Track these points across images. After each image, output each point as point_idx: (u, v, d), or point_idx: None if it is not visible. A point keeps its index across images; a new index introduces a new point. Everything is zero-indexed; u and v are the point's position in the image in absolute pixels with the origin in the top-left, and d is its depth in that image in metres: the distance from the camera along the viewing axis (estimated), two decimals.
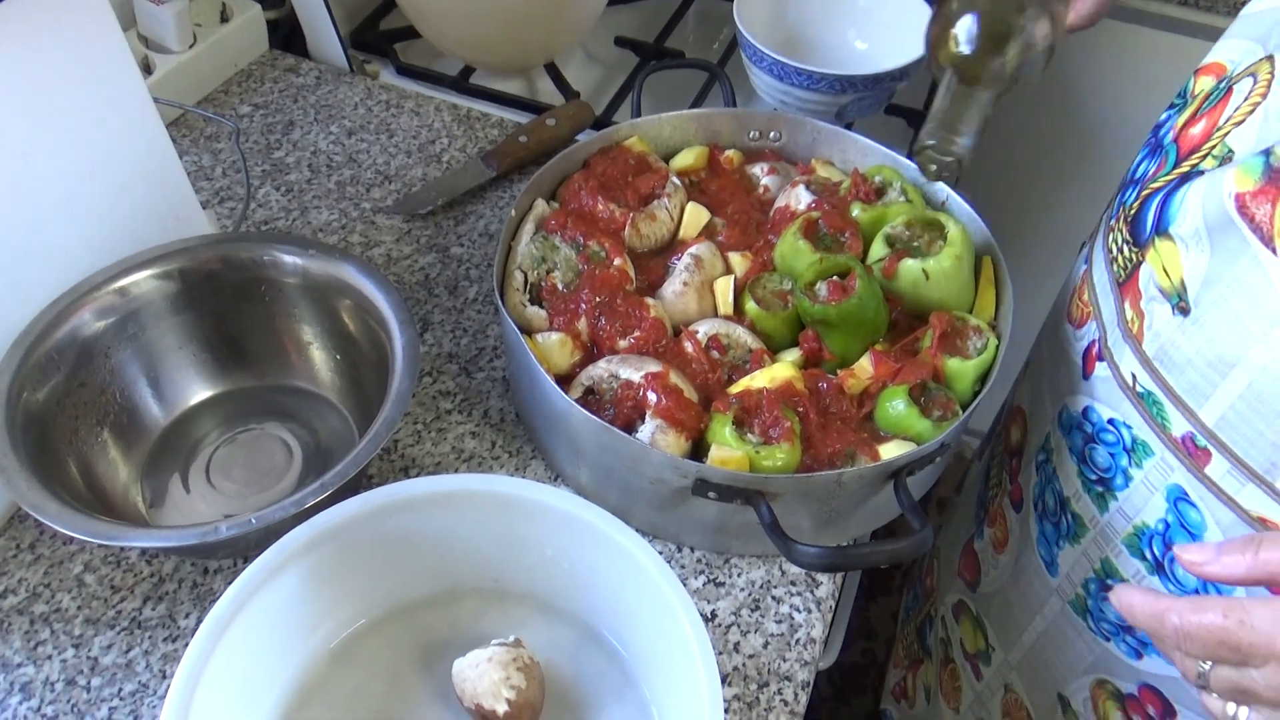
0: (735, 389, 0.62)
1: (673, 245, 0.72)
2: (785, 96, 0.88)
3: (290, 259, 0.66)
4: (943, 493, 1.71)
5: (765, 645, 0.60)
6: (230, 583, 0.50)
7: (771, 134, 0.80)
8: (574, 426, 0.61)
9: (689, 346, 0.65)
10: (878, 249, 0.68)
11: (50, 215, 0.62)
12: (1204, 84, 0.59)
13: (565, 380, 0.64)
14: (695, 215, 0.73)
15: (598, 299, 0.66)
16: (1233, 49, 0.58)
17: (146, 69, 0.86)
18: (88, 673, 0.57)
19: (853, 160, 0.77)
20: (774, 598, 0.62)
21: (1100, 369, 0.61)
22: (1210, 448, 0.53)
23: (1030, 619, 0.72)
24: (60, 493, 0.54)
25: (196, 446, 0.67)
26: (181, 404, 0.68)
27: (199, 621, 0.49)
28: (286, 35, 1.00)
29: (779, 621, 0.61)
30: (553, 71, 0.98)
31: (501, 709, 0.52)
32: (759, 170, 0.77)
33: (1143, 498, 0.58)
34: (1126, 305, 0.59)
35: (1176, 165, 0.56)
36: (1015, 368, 0.80)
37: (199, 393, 0.68)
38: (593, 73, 1.02)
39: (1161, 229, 0.55)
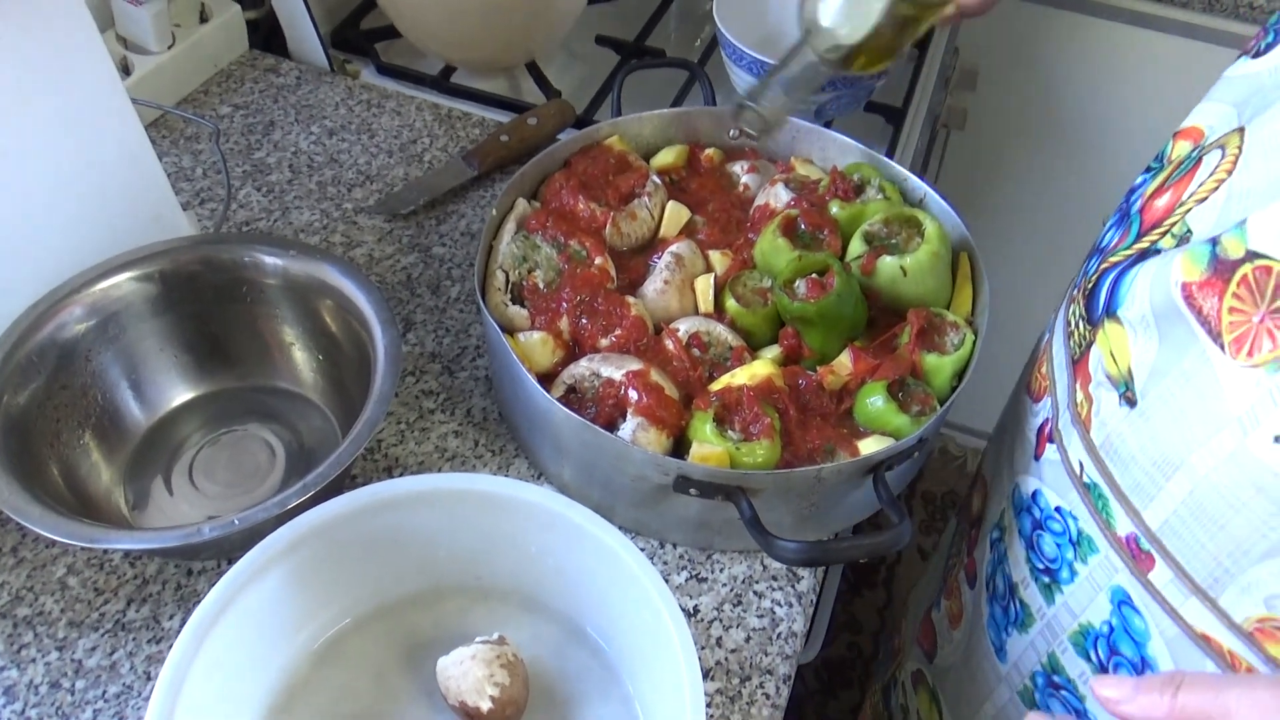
0: (716, 386, 0.63)
1: (653, 244, 0.73)
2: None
3: (271, 260, 0.66)
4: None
5: (747, 640, 0.61)
6: (214, 584, 0.50)
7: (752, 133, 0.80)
8: (556, 425, 0.62)
9: (670, 344, 0.65)
10: (856, 246, 0.69)
11: (28, 218, 0.62)
12: (1180, 149, 0.55)
13: (547, 379, 0.64)
14: (676, 214, 0.73)
15: (579, 298, 0.66)
16: (1211, 113, 0.54)
17: (125, 70, 0.86)
18: (72, 675, 0.57)
19: (832, 158, 0.78)
20: (756, 593, 0.63)
21: (1050, 451, 0.58)
22: (1154, 553, 0.50)
23: (981, 703, 0.69)
24: (42, 496, 0.54)
25: (179, 448, 0.67)
26: (163, 406, 0.68)
27: (183, 623, 0.49)
28: (266, 35, 1.00)
29: (761, 616, 0.62)
30: (534, 71, 0.98)
31: (486, 706, 0.52)
32: (739, 168, 0.78)
33: (1087, 595, 0.55)
34: (1078, 387, 0.55)
35: (1137, 239, 0.53)
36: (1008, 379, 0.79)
37: (181, 394, 0.68)
38: (574, 72, 1.03)
39: (1111, 310, 0.52)
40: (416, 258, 0.80)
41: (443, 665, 0.54)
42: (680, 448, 0.62)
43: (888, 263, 0.66)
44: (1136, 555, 0.51)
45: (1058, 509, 0.57)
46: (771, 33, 0.97)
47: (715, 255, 0.71)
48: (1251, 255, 0.42)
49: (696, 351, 0.66)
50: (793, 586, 0.63)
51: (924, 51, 1.05)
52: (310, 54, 0.97)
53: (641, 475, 0.60)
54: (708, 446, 0.59)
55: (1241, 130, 0.49)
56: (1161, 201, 0.53)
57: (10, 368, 0.58)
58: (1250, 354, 0.43)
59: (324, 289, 0.65)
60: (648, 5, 1.08)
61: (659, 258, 0.70)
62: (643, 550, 0.53)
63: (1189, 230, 0.49)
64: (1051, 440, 0.58)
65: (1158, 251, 0.50)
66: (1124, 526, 0.51)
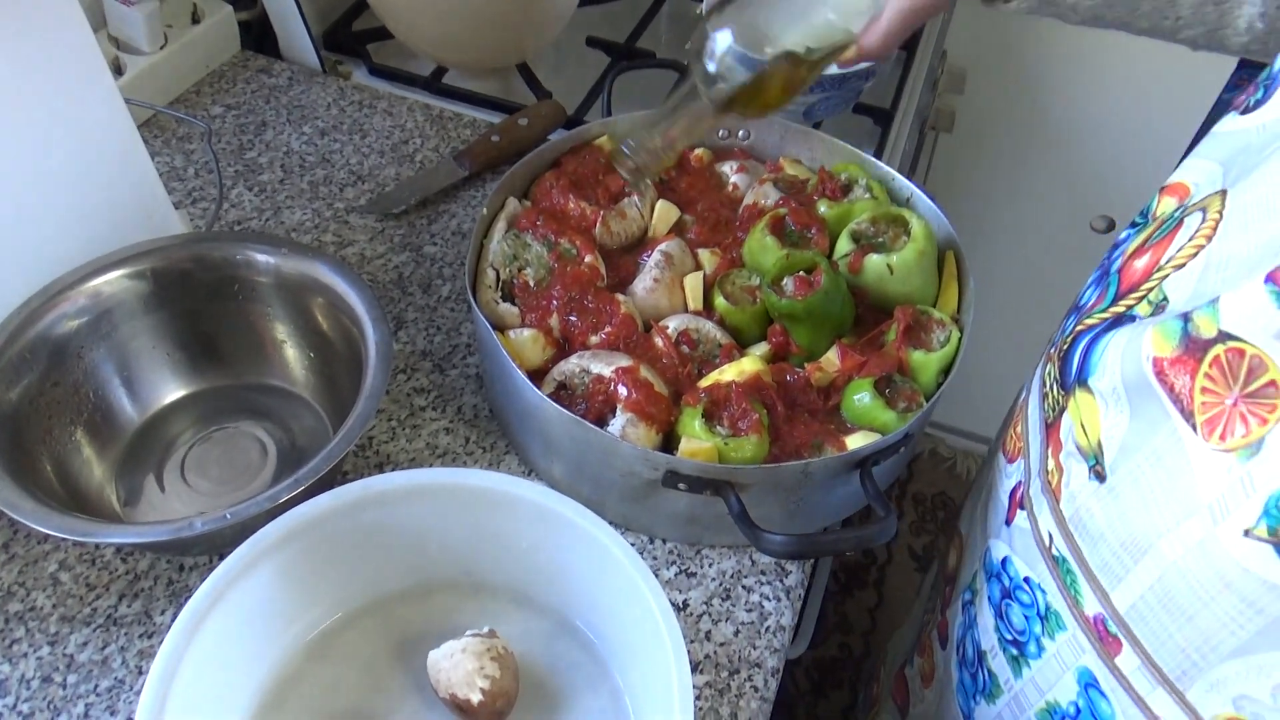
0: (704, 383, 0.63)
1: (643, 242, 0.74)
2: None
3: (263, 258, 0.66)
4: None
5: (736, 633, 0.61)
6: (206, 579, 0.51)
7: (740, 133, 0.81)
8: (546, 421, 0.62)
9: (659, 341, 0.66)
10: (843, 245, 0.69)
11: (21, 216, 0.62)
12: (1165, 206, 0.53)
13: (537, 376, 0.64)
14: (665, 213, 0.74)
15: (569, 295, 0.67)
16: (1198, 170, 0.52)
17: (117, 70, 0.86)
18: (64, 670, 0.57)
19: (820, 158, 0.79)
20: (744, 587, 0.63)
21: (1020, 518, 0.56)
22: (1121, 637, 0.47)
23: None
24: (35, 491, 0.55)
25: (171, 445, 0.67)
26: (155, 403, 0.68)
27: (175, 618, 0.49)
28: (259, 36, 1.01)
29: (749, 610, 0.62)
30: (525, 72, 0.99)
31: (476, 698, 0.53)
32: (728, 168, 0.79)
33: (1055, 673, 0.53)
34: (1049, 453, 0.53)
35: (1114, 302, 0.51)
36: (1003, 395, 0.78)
37: (173, 392, 0.69)
38: (565, 73, 1.03)
39: (1083, 379, 0.50)
40: (408, 257, 0.81)
41: (433, 658, 0.54)
42: (669, 444, 0.62)
43: (874, 261, 0.67)
44: (1104, 637, 0.49)
45: (1026, 579, 0.55)
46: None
47: (704, 254, 0.72)
48: (1224, 336, 0.41)
49: (686, 349, 0.66)
50: (781, 581, 0.64)
51: (912, 54, 1.06)
52: (302, 55, 0.98)
53: (631, 471, 0.60)
54: (696, 442, 0.60)
55: (1224, 193, 0.47)
56: (1140, 263, 0.51)
57: (2, 364, 0.59)
58: (1223, 437, 0.41)
59: (315, 287, 0.66)
60: (638, 7, 1.09)
61: (649, 256, 0.71)
62: (632, 545, 0.53)
63: (1165, 298, 0.47)
64: (1022, 506, 0.57)
65: (1133, 318, 0.48)
66: (1091, 606, 0.49)
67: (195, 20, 0.93)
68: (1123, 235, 0.56)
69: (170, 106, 0.91)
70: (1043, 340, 1.79)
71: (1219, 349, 0.41)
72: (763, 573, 0.64)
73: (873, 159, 0.76)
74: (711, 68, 0.58)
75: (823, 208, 0.72)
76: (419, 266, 0.80)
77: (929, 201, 0.73)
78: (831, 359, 0.65)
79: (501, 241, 0.69)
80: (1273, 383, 0.39)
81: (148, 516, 0.64)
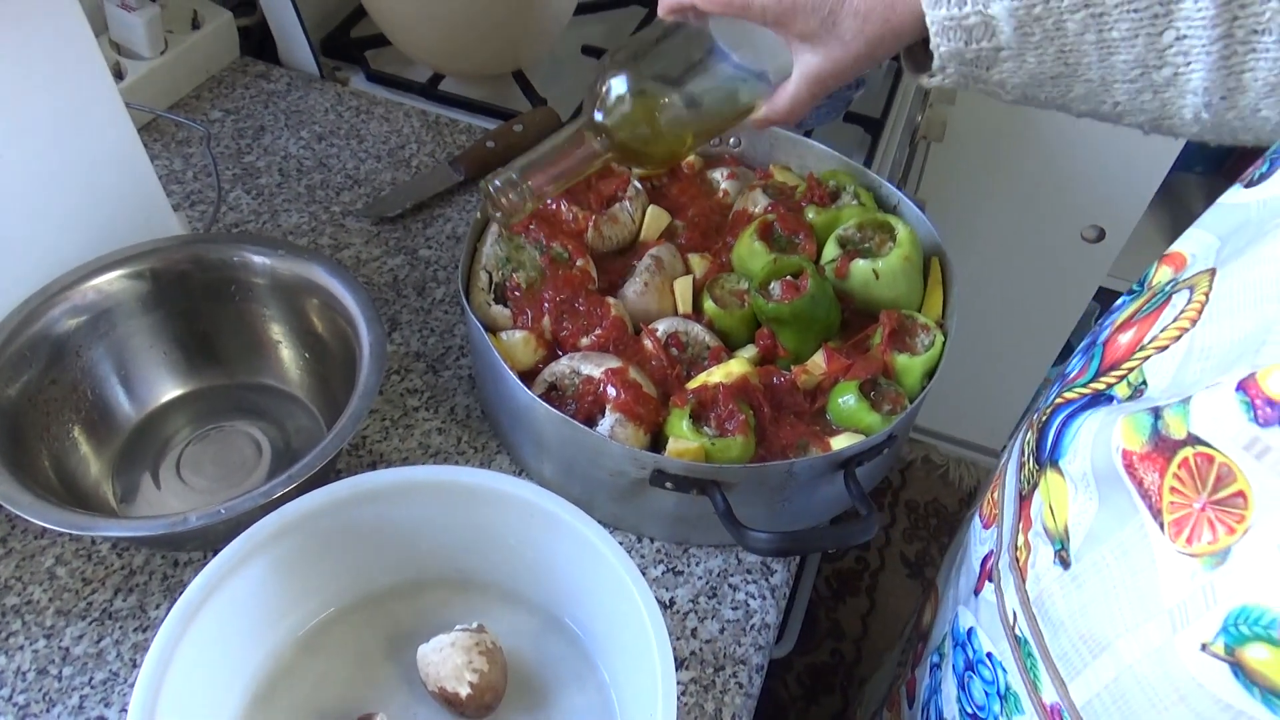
0: (692, 384, 0.64)
1: (634, 247, 0.75)
2: None
3: (260, 259, 0.67)
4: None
5: (721, 631, 0.62)
6: None
7: (731, 140, 0.82)
8: (537, 421, 0.63)
9: (648, 344, 0.67)
10: (830, 250, 0.71)
11: (22, 216, 0.63)
12: (1162, 275, 0.50)
13: (529, 377, 0.66)
14: (656, 218, 0.75)
15: (560, 298, 0.68)
16: (1197, 242, 0.49)
17: (118, 75, 0.87)
18: (59, 662, 0.58)
19: (809, 165, 0.80)
20: (730, 585, 0.64)
21: (988, 590, 0.55)
22: None
23: None
24: (33, 486, 0.56)
25: (167, 443, 0.68)
26: (152, 401, 0.69)
27: (169, 612, 0.50)
28: (258, 42, 1.02)
29: (735, 608, 0.63)
30: (521, 79, 1.00)
31: (464, 692, 0.54)
32: (719, 175, 0.80)
33: None
34: (1020, 529, 0.51)
35: (1094, 377, 0.49)
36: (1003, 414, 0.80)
37: (170, 390, 0.70)
38: (560, 81, 1.05)
39: (1054, 459, 0.48)
40: (403, 260, 0.82)
41: (423, 652, 0.55)
42: (658, 444, 0.63)
43: (861, 266, 0.68)
44: None
45: (989, 655, 0.54)
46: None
47: (694, 258, 0.73)
48: (1193, 439, 0.39)
49: (675, 351, 0.67)
50: (766, 580, 0.65)
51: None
52: (301, 61, 0.99)
53: (619, 470, 0.61)
54: (683, 442, 0.61)
55: (1213, 272, 0.44)
56: (1125, 338, 0.49)
57: (2, 361, 0.60)
58: (1189, 541, 0.39)
59: (311, 288, 0.67)
60: (633, 17, 1.11)
61: (639, 260, 0.72)
62: (621, 544, 0.54)
63: (1144, 381, 0.45)
64: (990, 579, 0.55)
65: (1110, 399, 0.46)
66: (1049, 695, 0.47)
67: (195, 26, 0.94)
68: (1118, 302, 0.54)
69: (170, 111, 0.92)
70: (1036, 350, 1.81)
71: (1188, 451, 0.39)
72: (748, 572, 0.65)
73: (860, 167, 0.77)
74: (598, 117, 0.57)
75: (810, 214, 0.73)
76: (414, 269, 0.81)
77: (915, 208, 0.74)
78: (818, 362, 0.67)
79: (495, 245, 0.70)
80: (1241, 493, 0.37)
81: (144, 513, 0.65)
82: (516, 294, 0.68)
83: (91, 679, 0.57)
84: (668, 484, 0.60)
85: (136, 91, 0.88)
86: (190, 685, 0.50)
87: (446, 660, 0.54)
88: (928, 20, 0.51)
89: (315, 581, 0.58)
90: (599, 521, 0.56)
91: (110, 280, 0.65)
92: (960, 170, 1.42)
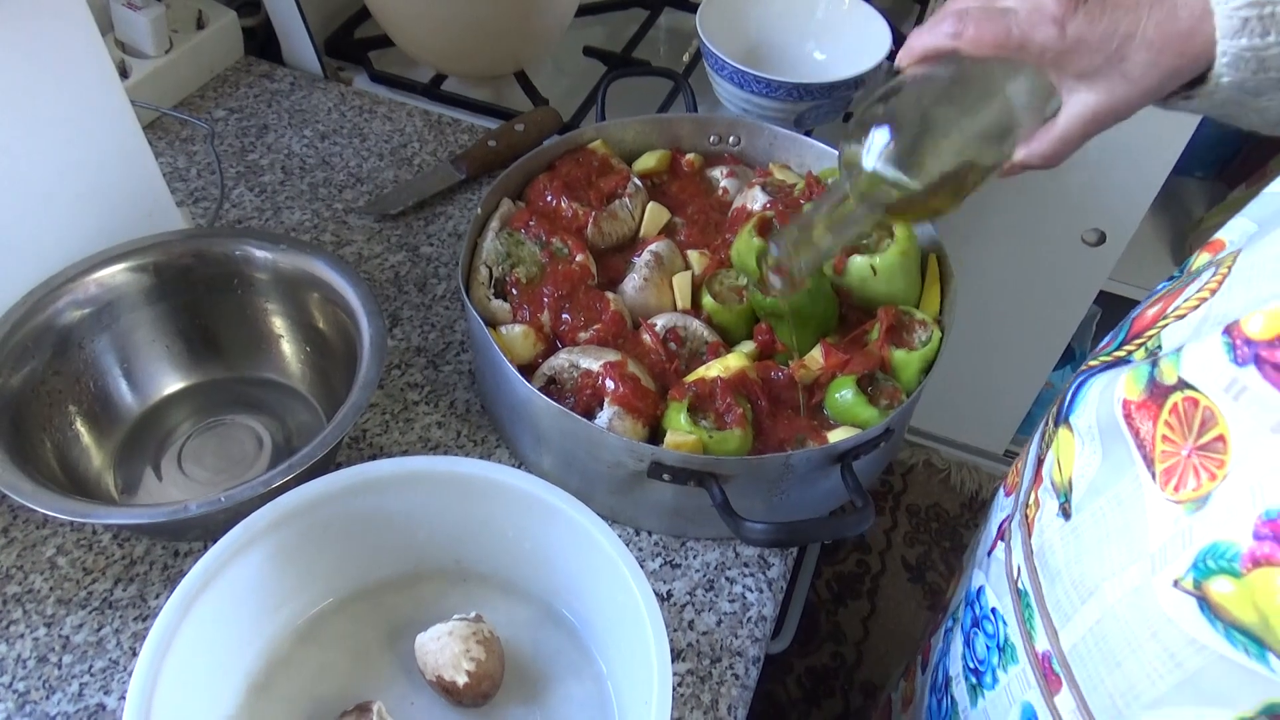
0: (690, 378, 0.65)
1: (634, 243, 0.75)
2: (746, 104, 0.91)
3: (261, 253, 0.68)
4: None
5: (718, 623, 0.62)
6: None
7: (731, 138, 0.83)
8: (536, 414, 0.64)
9: (647, 338, 0.67)
10: None
11: (28, 209, 0.64)
12: (1201, 261, 0.51)
13: (528, 371, 0.66)
14: (655, 214, 0.76)
15: (560, 293, 0.68)
16: (1236, 229, 0.50)
17: (123, 73, 0.88)
18: (59, 650, 0.58)
19: (808, 164, 0.80)
20: (727, 578, 0.64)
21: (999, 550, 0.57)
22: (1062, 676, 0.48)
23: None
24: (35, 475, 0.56)
25: (169, 436, 0.69)
26: (155, 394, 0.70)
27: (168, 598, 0.51)
28: (262, 42, 1.03)
29: (732, 601, 0.63)
30: (522, 80, 1.01)
31: (461, 680, 0.54)
32: (718, 173, 0.80)
33: (1003, 707, 0.53)
34: (1033, 488, 0.54)
35: (1118, 347, 0.51)
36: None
37: (172, 383, 0.70)
38: (561, 81, 1.05)
39: (1066, 416, 0.50)
40: (404, 256, 0.82)
41: (421, 641, 0.56)
42: (656, 438, 0.64)
43: (858, 262, 0.69)
44: (1048, 675, 0.49)
45: (994, 610, 0.56)
46: (754, 44, 1.00)
47: (693, 255, 0.74)
48: (1182, 384, 0.41)
49: (673, 345, 0.68)
50: (763, 573, 0.65)
51: None
52: (305, 61, 1.00)
53: (617, 462, 0.61)
54: (681, 434, 0.61)
55: (1238, 253, 0.45)
56: (1152, 311, 0.50)
57: (6, 350, 0.60)
58: (1176, 489, 0.41)
59: (312, 282, 0.67)
60: (635, 19, 1.11)
61: (639, 256, 0.72)
62: (619, 537, 0.54)
63: (1160, 346, 0.47)
64: (1003, 538, 0.57)
65: (1129, 363, 0.48)
66: (1042, 642, 0.49)
67: (200, 26, 0.95)
68: (1159, 286, 0.54)
69: (174, 109, 0.93)
70: (1037, 354, 1.80)
71: (1177, 396, 0.41)
72: (745, 565, 0.65)
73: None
74: (870, 166, 0.52)
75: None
76: (415, 266, 0.82)
77: None
78: (815, 357, 0.67)
79: (495, 240, 0.71)
80: (1221, 437, 0.39)
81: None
82: (516, 289, 0.69)
83: (91, 667, 0.58)
84: (665, 476, 0.60)
85: (142, 89, 0.88)
86: (189, 672, 0.51)
87: (444, 649, 0.54)
88: (1221, 49, 0.48)
89: (314, 571, 0.58)
90: (597, 514, 0.56)
91: (114, 273, 0.66)
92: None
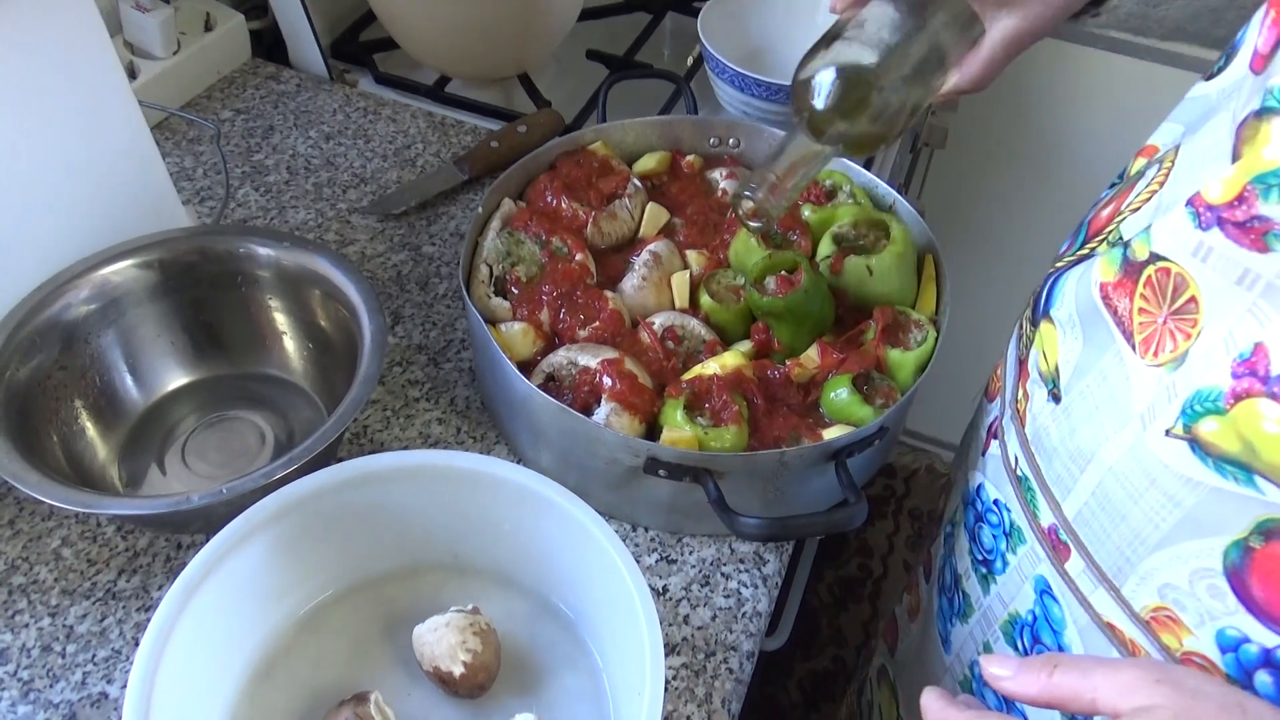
0: (687, 376, 0.65)
1: (633, 243, 0.76)
2: (746, 107, 0.92)
3: (264, 251, 0.69)
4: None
5: (713, 618, 0.63)
6: None
7: (731, 140, 0.83)
8: (535, 410, 0.64)
9: (645, 336, 0.68)
10: (825, 247, 0.72)
11: (37, 207, 0.65)
12: (1138, 165, 0.58)
13: (527, 368, 0.67)
14: (654, 215, 0.76)
15: (559, 291, 0.69)
16: (1167, 132, 0.57)
17: (131, 74, 0.89)
18: (63, 640, 0.59)
19: None
20: (723, 574, 0.65)
21: (994, 447, 0.62)
22: (1069, 543, 0.53)
23: None
24: (41, 466, 0.57)
25: (173, 431, 0.70)
26: (159, 389, 0.71)
27: (169, 587, 0.51)
28: (269, 45, 1.04)
29: (727, 596, 0.64)
30: (526, 82, 1.02)
31: (458, 671, 0.55)
32: (718, 175, 0.81)
33: (1016, 585, 0.58)
34: (1020, 384, 0.59)
35: (1081, 246, 0.56)
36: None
37: (176, 379, 0.71)
38: (564, 84, 1.06)
39: (1046, 311, 0.55)
40: (407, 256, 0.83)
41: (418, 633, 0.56)
42: (653, 435, 0.64)
43: (855, 262, 0.70)
44: (1056, 545, 0.54)
45: (996, 501, 0.60)
46: (755, 48, 1.00)
47: (692, 255, 0.74)
48: (1154, 257, 0.45)
49: (671, 344, 0.69)
50: (759, 569, 0.66)
51: None
52: (311, 63, 1.01)
53: (614, 458, 0.62)
54: (677, 431, 0.62)
55: (1178, 149, 0.51)
56: (1106, 212, 0.56)
57: (15, 344, 0.61)
58: (1156, 354, 0.46)
59: (314, 279, 0.68)
60: (638, 22, 1.12)
61: (637, 256, 0.73)
62: (615, 533, 0.55)
63: (1120, 237, 0.51)
64: (995, 437, 0.61)
65: (1094, 257, 0.53)
66: (1046, 517, 0.54)
67: (208, 28, 0.96)
68: (1102, 194, 0.61)
69: (182, 110, 0.94)
70: None
71: (1150, 270, 0.46)
72: (741, 561, 0.66)
73: (857, 167, 0.78)
74: (821, 105, 0.59)
75: (807, 212, 0.74)
76: (417, 265, 0.83)
77: (910, 208, 0.75)
78: (812, 356, 0.68)
79: (496, 239, 0.72)
80: (1193, 299, 0.44)
81: None
82: (516, 287, 0.70)
83: (94, 656, 0.58)
84: (661, 472, 0.61)
85: (149, 90, 0.90)
86: (190, 661, 0.52)
87: (441, 640, 0.55)
88: None
89: (314, 563, 0.59)
90: (595, 510, 0.56)
91: (120, 269, 0.67)
92: (962, 177, 1.43)
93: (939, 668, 0.68)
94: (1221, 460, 0.43)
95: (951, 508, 0.70)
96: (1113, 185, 0.61)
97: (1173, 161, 0.50)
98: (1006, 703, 0.59)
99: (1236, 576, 0.44)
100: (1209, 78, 0.55)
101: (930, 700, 0.43)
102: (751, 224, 0.64)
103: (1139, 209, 0.51)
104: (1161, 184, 0.50)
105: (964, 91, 0.62)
